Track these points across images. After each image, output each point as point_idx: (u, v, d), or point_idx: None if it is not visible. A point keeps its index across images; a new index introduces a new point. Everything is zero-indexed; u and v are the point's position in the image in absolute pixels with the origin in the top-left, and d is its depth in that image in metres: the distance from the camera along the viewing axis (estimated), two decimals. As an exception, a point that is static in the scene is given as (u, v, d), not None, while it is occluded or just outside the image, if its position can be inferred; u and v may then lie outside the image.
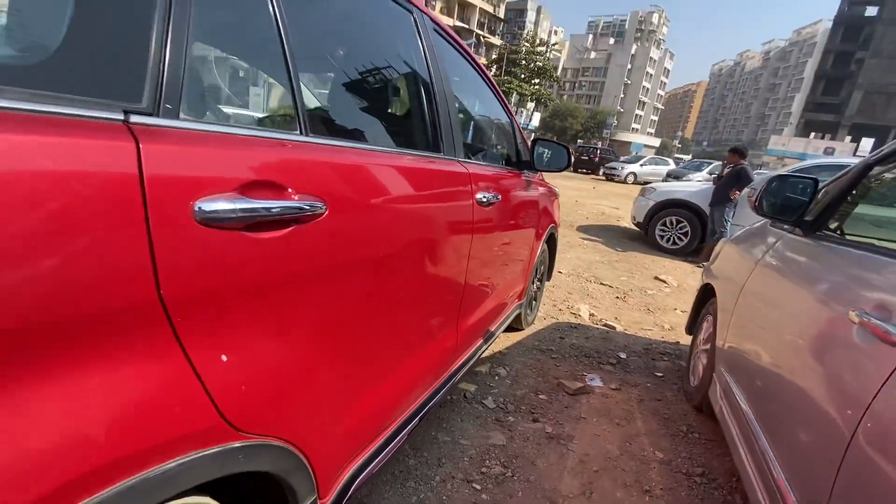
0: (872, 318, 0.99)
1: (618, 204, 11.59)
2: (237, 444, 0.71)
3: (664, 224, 6.51)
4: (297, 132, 0.84)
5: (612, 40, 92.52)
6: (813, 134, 36.89)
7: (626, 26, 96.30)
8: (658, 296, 4.39)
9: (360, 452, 1.14)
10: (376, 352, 1.14)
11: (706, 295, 2.57)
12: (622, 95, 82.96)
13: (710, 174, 15.86)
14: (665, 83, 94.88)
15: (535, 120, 53.70)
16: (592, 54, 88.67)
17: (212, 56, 0.92)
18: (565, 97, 78.42)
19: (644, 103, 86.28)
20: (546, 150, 2.30)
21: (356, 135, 1.21)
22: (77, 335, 0.52)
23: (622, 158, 23.80)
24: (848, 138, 36.42)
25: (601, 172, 22.22)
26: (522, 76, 40.34)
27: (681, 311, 4.00)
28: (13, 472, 0.46)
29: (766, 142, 40.37)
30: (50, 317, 0.49)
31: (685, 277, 5.22)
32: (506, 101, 2.21)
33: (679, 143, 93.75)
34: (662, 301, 4.24)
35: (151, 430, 0.59)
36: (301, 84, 0.86)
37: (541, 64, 40.75)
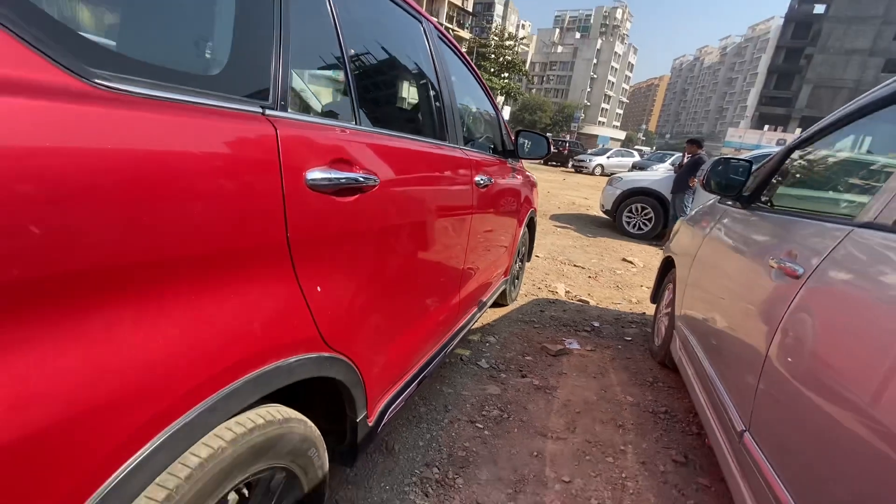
0: (785, 261, 1.32)
1: (587, 194, 12.11)
2: (326, 355, 0.96)
3: (630, 211, 6.97)
4: (354, 122, 1.09)
5: (578, 35, 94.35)
6: (767, 126, 39.05)
7: (591, 21, 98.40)
8: (626, 275, 4.79)
9: (393, 387, 1.40)
10: (409, 299, 1.40)
11: (667, 267, 2.94)
12: (589, 89, 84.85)
13: (672, 165, 16.69)
14: (629, 77, 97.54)
15: (506, 114, 54.46)
16: (559, 48, 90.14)
17: (301, 69, 1.13)
18: (534, 91, 79.55)
19: (610, 97, 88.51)
20: (527, 141, 2.59)
21: (391, 125, 1.45)
22: (241, 259, 0.76)
23: (590, 151, 24.58)
24: (798, 130, 38.64)
25: (570, 165, 22.90)
26: (492, 70, 40.75)
27: (646, 287, 4.40)
28: (199, 353, 0.69)
29: (724, 134, 42.33)
30: (224, 244, 0.72)
31: (650, 258, 5.66)
32: (492, 95, 2.48)
33: (643, 136, 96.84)
34: (630, 279, 4.64)
35: (282, 333, 0.83)
36: (353, 83, 1.11)
37: (510, 58, 41.25)
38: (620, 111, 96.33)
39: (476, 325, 2.90)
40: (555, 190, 12.31)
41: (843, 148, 1.65)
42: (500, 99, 45.86)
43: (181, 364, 0.66)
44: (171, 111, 0.64)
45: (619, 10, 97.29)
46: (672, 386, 2.45)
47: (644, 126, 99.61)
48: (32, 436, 0.49)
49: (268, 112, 0.80)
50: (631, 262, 5.29)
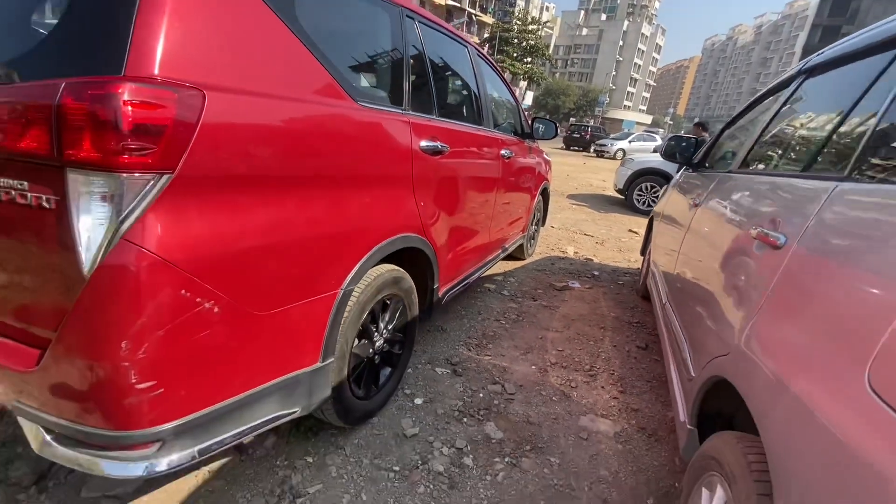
0: (703, 202, 2.11)
1: (605, 177, 12.69)
2: (422, 238, 1.83)
3: (640, 189, 7.65)
4: (435, 115, 1.94)
5: (603, 16, 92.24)
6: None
7: (618, 2, 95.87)
8: (630, 242, 5.55)
9: (450, 281, 2.27)
10: (461, 225, 2.27)
11: (651, 224, 3.73)
12: (614, 73, 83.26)
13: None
14: (657, 59, 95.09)
15: (528, 98, 54.32)
16: (584, 31, 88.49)
17: (414, 87, 1.95)
18: (557, 75, 78.63)
19: (636, 80, 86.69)
20: (541, 125, 3.40)
21: (452, 115, 2.30)
22: (394, 180, 1.63)
23: (612, 136, 24.80)
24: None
25: (592, 149, 23.25)
26: (515, 55, 40.89)
27: (646, 251, 5.16)
28: (372, 223, 1.57)
29: (753, 117, 41.23)
30: (390, 171, 1.59)
31: (654, 230, 6.38)
32: (512, 89, 3.30)
33: (671, 120, 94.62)
34: (633, 246, 5.39)
35: (407, 220, 1.71)
36: (434, 91, 1.96)
37: (532, 42, 41.24)
38: (647, 94, 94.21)
39: (499, 271, 3.76)
40: (574, 173, 12.93)
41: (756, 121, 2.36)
42: (523, 84, 45.94)
43: (362, 228, 1.52)
44: (380, 113, 1.52)
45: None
46: (647, 311, 3.26)
47: (672, 109, 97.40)
48: (319, 242, 1.37)
49: (405, 112, 1.67)
50: (636, 233, 6.02)
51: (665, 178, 7.36)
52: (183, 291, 0.92)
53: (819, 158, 1.18)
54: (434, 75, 1.97)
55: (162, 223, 0.88)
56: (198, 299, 0.95)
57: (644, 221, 7.13)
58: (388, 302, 1.78)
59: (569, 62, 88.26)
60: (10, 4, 1.05)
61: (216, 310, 0.99)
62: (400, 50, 1.73)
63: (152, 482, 1.44)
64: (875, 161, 0.89)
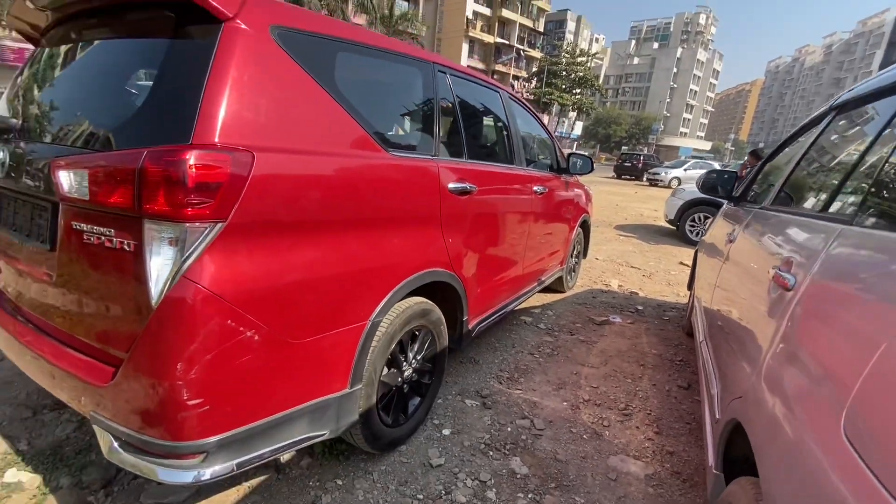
0: (736, 237, 2.07)
1: (656, 206, 12.28)
2: (450, 272, 1.93)
3: (693, 220, 7.37)
4: (464, 158, 2.08)
5: (656, 44, 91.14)
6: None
7: (671, 29, 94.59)
8: (680, 276, 5.33)
9: (480, 314, 2.34)
10: (491, 260, 2.35)
11: (696, 257, 3.61)
12: (668, 100, 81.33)
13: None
14: (714, 84, 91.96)
15: (578, 129, 54.10)
16: (636, 60, 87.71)
17: (443, 135, 2.12)
18: (608, 104, 77.96)
19: (692, 106, 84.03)
20: (578, 160, 3.46)
21: (482, 157, 2.44)
22: (422, 219, 1.76)
23: (665, 163, 24.03)
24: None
25: (645, 178, 22.61)
26: (563, 87, 41.21)
27: (696, 285, 4.94)
28: (401, 259, 1.69)
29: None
30: (418, 212, 1.72)
31: (708, 263, 6.08)
32: (547, 128, 3.40)
33: (732, 146, 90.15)
34: (683, 279, 5.17)
35: (435, 256, 1.82)
36: (464, 135, 2.10)
37: (581, 74, 41.44)
38: (705, 120, 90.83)
39: (537, 303, 3.77)
40: (624, 202, 12.64)
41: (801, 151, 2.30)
42: (573, 115, 45.92)
43: (391, 264, 1.64)
44: (409, 160, 1.67)
45: (703, 16, 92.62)
46: (691, 349, 3.12)
47: (733, 135, 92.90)
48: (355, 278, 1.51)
49: (434, 158, 1.82)
50: (686, 265, 5.78)
51: (718, 207, 7.06)
52: (229, 321, 1.08)
53: (833, 199, 1.16)
54: (464, 121, 2.12)
55: (215, 263, 1.05)
56: (241, 328, 1.10)
57: (697, 253, 6.88)
58: (417, 333, 1.88)
59: (620, 91, 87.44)
60: (101, 85, 1.31)
61: (257, 338, 1.14)
62: (430, 101, 1.90)
63: (199, 494, 1.59)
64: (877, 205, 0.89)
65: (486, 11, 45.43)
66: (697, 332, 2.59)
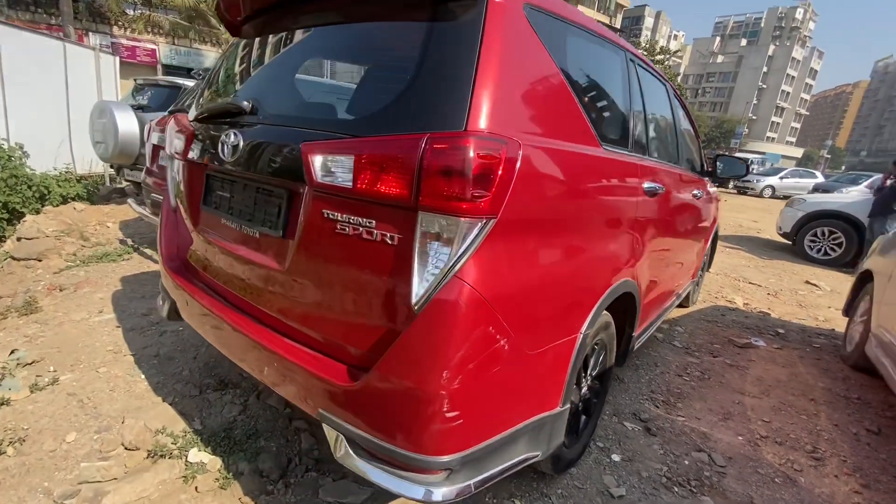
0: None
1: (755, 217, 11.26)
2: (633, 281, 1.73)
3: (815, 235, 6.58)
4: (649, 155, 1.87)
5: (743, 41, 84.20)
6: None
7: (762, 25, 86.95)
8: (810, 296, 4.75)
9: (642, 324, 2.12)
10: (662, 265, 2.13)
11: (863, 281, 3.13)
12: (755, 101, 74.89)
13: (871, 187, 14.32)
14: (811, 85, 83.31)
15: (652, 131, 51.03)
16: (720, 58, 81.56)
17: (632, 120, 1.84)
18: (687, 105, 73.15)
19: (782, 109, 76.79)
20: (724, 164, 3.11)
21: (659, 155, 2.19)
22: (621, 225, 1.58)
23: (757, 171, 22.06)
24: None
25: (731, 185, 20.89)
26: (640, 86, 39.17)
27: (835, 308, 4.34)
28: (598, 269, 1.51)
29: (951, 150, 33.55)
30: (618, 216, 1.55)
31: (839, 284, 5.39)
32: (696, 125, 3.08)
33: (828, 154, 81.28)
34: (815, 300, 4.61)
35: (628, 263, 1.64)
36: (647, 128, 1.89)
37: (661, 73, 39.16)
38: (797, 125, 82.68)
39: (664, 319, 3.46)
40: (716, 211, 11.68)
41: None
42: (647, 116, 43.47)
43: (602, 269, 1.47)
44: (618, 155, 1.50)
45: (800, 10, 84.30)
46: (866, 384, 2.70)
47: (830, 142, 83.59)
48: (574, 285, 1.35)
49: (630, 154, 1.63)
50: (815, 285, 5.15)
51: (849, 222, 6.26)
52: (491, 328, 0.97)
53: None
54: (647, 114, 1.92)
55: (483, 263, 0.94)
56: (498, 336, 0.99)
57: (822, 272, 6.10)
58: (596, 347, 1.71)
59: (699, 91, 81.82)
60: (350, 67, 1.25)
61: (507, 347, 1.02)
62: (628, 91, 1.72)
63: (377, 498, 1.53)
64: None
65: (561, 8, 44.08)
66: (891, 371, 2.21)
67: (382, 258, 0.98)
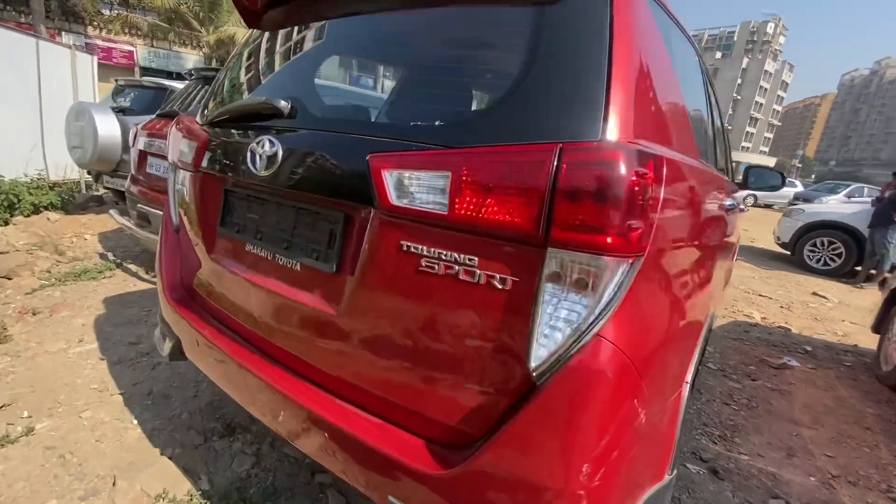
0: None
1: (744, 226, 11.35)
2: (714, 311, 1.53)
3: (814, 245, 6.58)
4: (719, 168, 1.68)
5: (718, 54, 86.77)
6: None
7: (735, 38, 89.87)
8: (822, 309, 4.68)
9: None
10: (724, 283, 1.94)
11: (893, 300, 3.02)
12: (730, 112, 77.16)
13: (849, 197, 14.72)
14: (782, 97, 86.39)
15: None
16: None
17: (709, 129, 1.73)
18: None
19: (756, 120, 79.34)
20: (756, 176, 2.96)
21: (720, 167, 2.02)
22: (718, 249, 1.38)
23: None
24: None
25: (714, 194, 21.25)
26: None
27: (849, 322, 4.28)
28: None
29: (915, 161, 35.05)
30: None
31: (844, 295, 5.36)
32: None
33: (799, 163, 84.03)
34: (828, 314, 4.53)
35: (711, 296, 1.44)
36: (715, 136, 1.71)
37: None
38: (770, 135, 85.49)
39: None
40: (706, 220, 11.76)
41: None
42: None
43: (705, 306, 1.27)
44: (710, 170, 1.30)
45: (771, 24, 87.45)
46: (912, 408, 2.56)
47: (801, 151, 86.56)
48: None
49: (715, 169, 1.43)
50: (824, 297, 5.10)
51: (848, 233, 6.27)
52: (635, 402, 0.74)
53: None
54: (714, 124, 1.74)
55: (627, 315, 0.72)
56: (640, 409, 0.76)
57: (825, 283, 6.04)
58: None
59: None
60: (447, 61, 1.01)
61: (644, 420, 0.79)
62: (706, 99, 1.53)
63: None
64: None
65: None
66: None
67: (486, 306, 0.75)
